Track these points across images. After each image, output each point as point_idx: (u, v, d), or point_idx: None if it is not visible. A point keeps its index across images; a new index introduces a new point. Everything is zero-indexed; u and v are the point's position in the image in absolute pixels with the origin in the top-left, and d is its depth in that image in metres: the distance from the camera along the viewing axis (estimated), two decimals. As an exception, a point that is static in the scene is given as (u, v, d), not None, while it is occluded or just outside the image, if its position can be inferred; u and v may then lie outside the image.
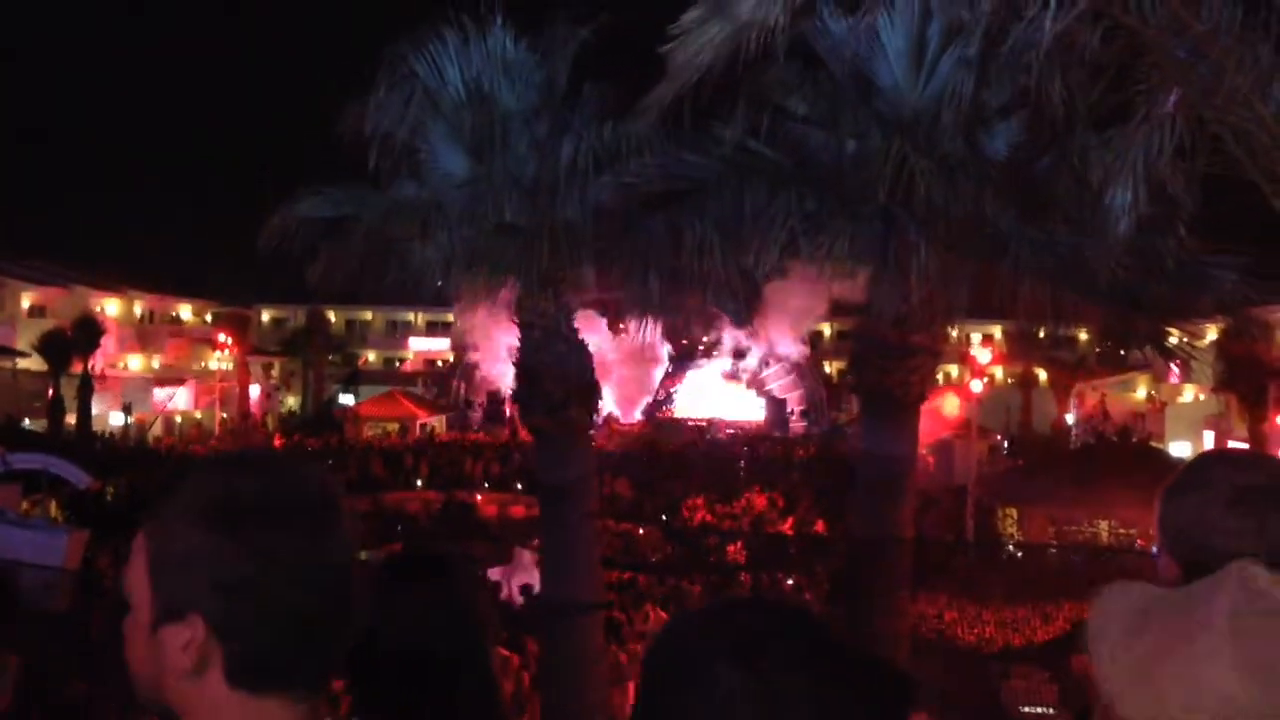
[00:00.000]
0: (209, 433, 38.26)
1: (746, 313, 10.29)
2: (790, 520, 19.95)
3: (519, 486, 24.01)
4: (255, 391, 45.58)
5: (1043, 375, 43.49)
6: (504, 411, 32.21)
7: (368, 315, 57.96)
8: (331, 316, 50.30)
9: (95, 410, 34.73)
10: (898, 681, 1.00)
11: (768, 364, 38.64)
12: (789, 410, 37.89)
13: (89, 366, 35.23)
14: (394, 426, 35.66)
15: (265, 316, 57.40)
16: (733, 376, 39.28)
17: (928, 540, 13.28)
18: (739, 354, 38.43)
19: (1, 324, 39.30)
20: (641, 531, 18.67)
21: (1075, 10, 4.42)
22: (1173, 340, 7.73)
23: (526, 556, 14.55)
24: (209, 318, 54.17)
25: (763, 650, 0.95)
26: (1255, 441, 23.57)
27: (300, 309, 50.38)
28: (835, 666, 0.96)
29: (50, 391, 33.72)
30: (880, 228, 7.03)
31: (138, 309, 49.08)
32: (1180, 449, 27.03)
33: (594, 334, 14.13)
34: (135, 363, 45.95)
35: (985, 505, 17.90)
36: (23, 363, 36.16)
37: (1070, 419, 39.99)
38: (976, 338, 40.26)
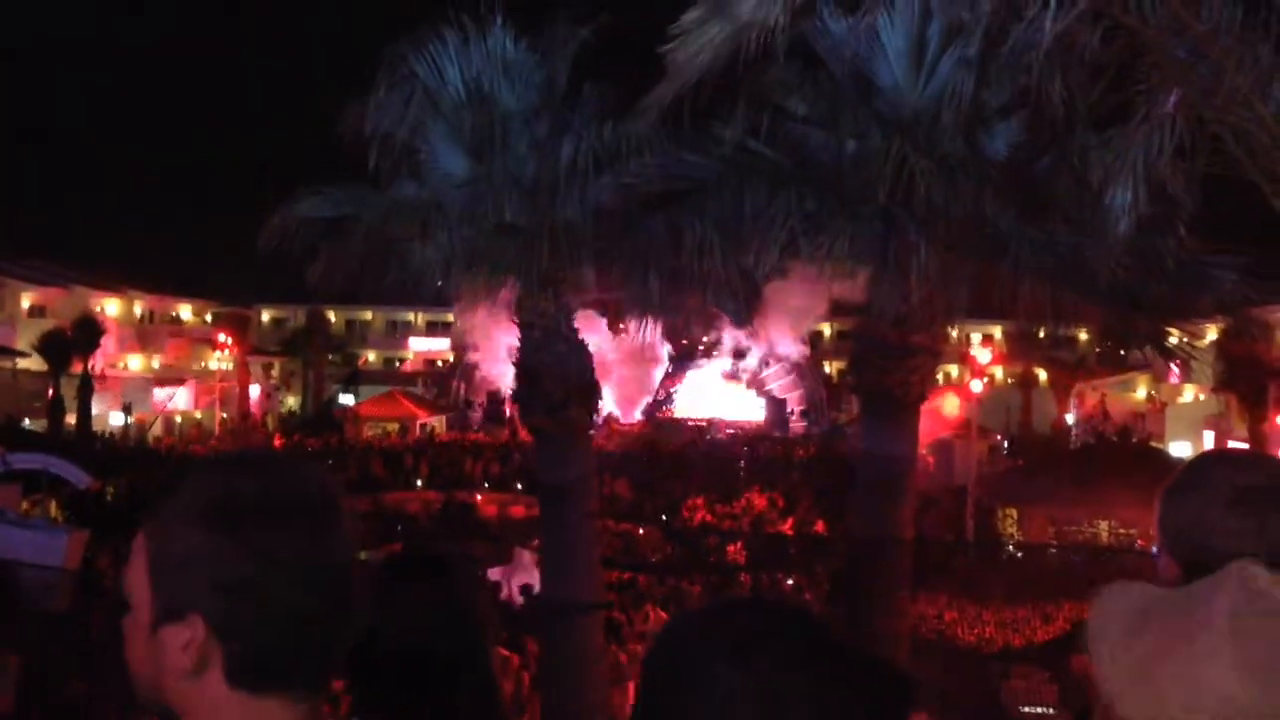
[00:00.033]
0: (209, 433, 38.25)
1: (746, 313, 10.28)
2: (790, 520, 19.95)
3: (519, 486, 24.01)
4: (255, 392, 45.58)
5: (1043, 375, 43.48)
6: (504, 411, 32.19)
7: (368, 315, 57.96)
8: (331, 316, 50.29)
9: (95, 410, 34.74)
10: (898, 681, 1.00)
11: (768, 364, 38.63)
12: (789, 410, 37.88)
13: (89, 366, 35.24)
14: (394, 426, 35.66)
15: (265, 316, 57.39)
16: (733, 376, 39.27)
17: (928, 540, 13.28)
18: (739, 354, 38.42)
19: (1, 324, 39.32)
20: (641, 532, 18.67)
21: (1075, 10, 4.42)
22: (1173, 340, 7.74)
23: (526, 556, 14.55)
24: (209, 318, 54.17)
25: (762, 650, 0.95)
26: (1255, 441, 23.57)
27: (300, 309, 50.37)
28: (835, 666, 0.96)
29: (50, 391, 33.72)
30: (880, 228, 7.03)
31: (138, 309, 49.09)
32: (1180, 449, 27.02)
33: (594, 334, 14.14)
34: (135, 363, 45.95)
35: (985, 505, 17.91)
36: (23, 363, 36.17)
37: (1070, 419, 39.99)
38: (976, 338, 40.26)
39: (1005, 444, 34.07)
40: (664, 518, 20.93)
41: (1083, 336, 27.92)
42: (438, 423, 37.21)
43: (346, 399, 44.33)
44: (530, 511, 17.92)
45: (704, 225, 7.46)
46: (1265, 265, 7.24)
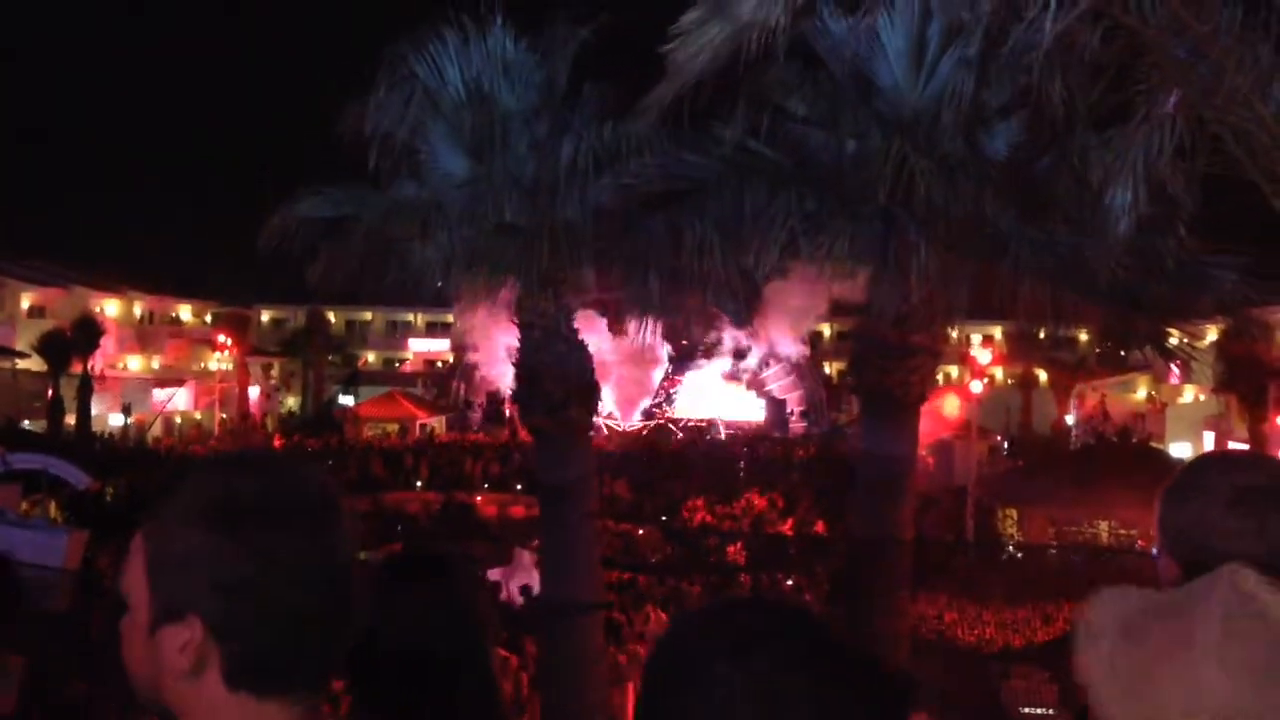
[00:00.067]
0: (208, 433, 38.27)
1: (746, 313, 10.28)
2: (790, 521, 19.95)
3: (519, 486, 24.00)
4: (255, 392, 45.61)
5: (1043, 376, 43.50)
6: (504, 412, 32.17)
7: (368, 316, 57.94)
8: (331, 317, 50.28)
9: (95, 411, 34.76)
10: (898, 681, 0.99)
11: (768, 364, 38.55)
12: (789, 410, 37.86)
13: (88, 367, 35.26)
14: (394, 427, 35.68)
15: (265, 317, 57.37)
16: (733, 377, 39.22)
17: (928, 540, 13.29)
18: (739, 354, 38.33)
19: (1, 324, 39.33)
20: (641, 532, 18.67)
21: (1075, 10, 4.42)
22: (1173, 340, 7.74)
23: (526, 557, 14.55)
24: (209, 318, 54.17)
25: (762, 650, 0.95)
26: (1255, 442, 23.58)
27: (300, 309, 50.34)
28: (835, 666, 0.96)
29: (50, 392, 33.75)
30: (880, 228, 7.03)
31: (137, 309, 49.11)
32: (1180, 450, 27.02)
33: (594, 334, 14.11)
34: (135, 363, 45.98)
35: (985, 506, 17.91)
36: (22, 363, 36.17)
37: (1070, 420, 40.00)
38: (976, 338, 40.26)
39: (1005, 444, 34.10)
40: (664, 518, 20.93)
41: (1083, 337, 27.90)
42: (437, 423, 37.21)
43: (346, 400, 44.29)
44: (530, 512, 17.92)
45: (704, 225, 7.46)
46: (1265, 265, 7.24)
